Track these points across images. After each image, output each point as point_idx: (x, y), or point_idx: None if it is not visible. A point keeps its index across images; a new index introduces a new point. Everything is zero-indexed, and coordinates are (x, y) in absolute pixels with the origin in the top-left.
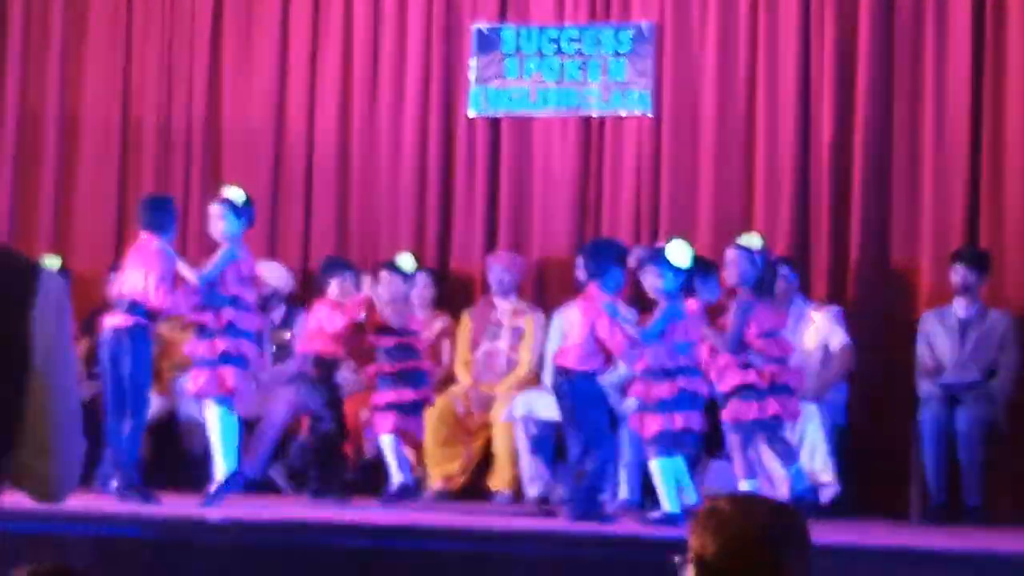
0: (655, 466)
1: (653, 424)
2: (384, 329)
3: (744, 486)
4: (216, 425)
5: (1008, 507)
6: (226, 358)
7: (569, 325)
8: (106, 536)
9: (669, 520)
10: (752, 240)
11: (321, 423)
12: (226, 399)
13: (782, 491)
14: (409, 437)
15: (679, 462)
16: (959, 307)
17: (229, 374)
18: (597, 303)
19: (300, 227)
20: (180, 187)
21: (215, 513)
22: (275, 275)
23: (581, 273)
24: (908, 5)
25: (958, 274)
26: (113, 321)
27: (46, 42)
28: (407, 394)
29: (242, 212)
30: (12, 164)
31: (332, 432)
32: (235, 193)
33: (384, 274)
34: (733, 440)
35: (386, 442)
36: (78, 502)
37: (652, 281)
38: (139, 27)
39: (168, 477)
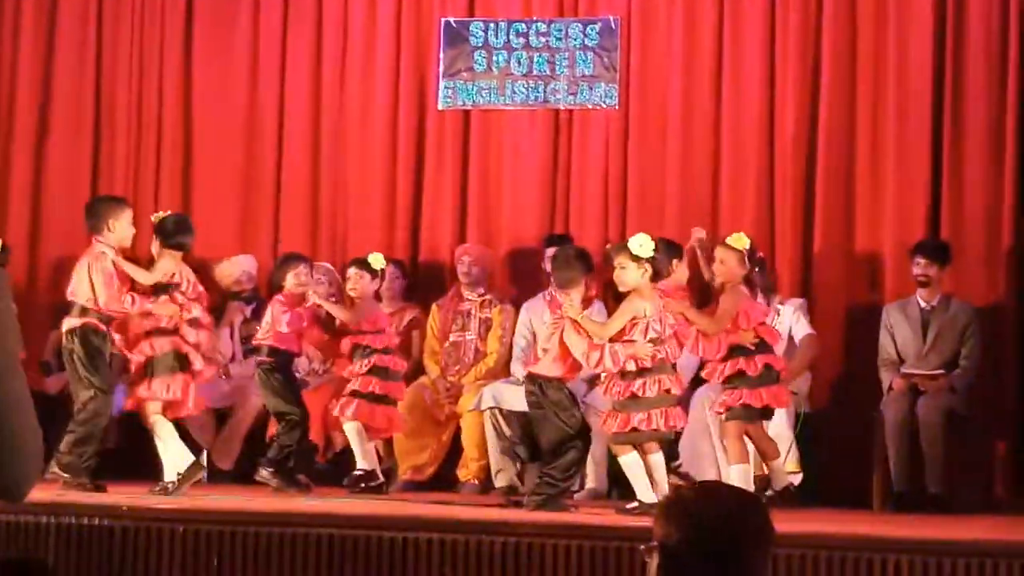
0: (624, 461)
1: (615, 422)
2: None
3: (735, 472)
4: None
5: (970, 496)
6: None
7: (540, 330)
8: (72, 525)
9: (646, 510)
10: (740, 240)
11: (284, 419)
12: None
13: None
14: (375, 430)
15: (657, 457)
16: (921, 298)
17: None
18: (565, 313)
19: (271, 220)
20: (151, 181)
21: (176, 502)
22: (244, 265)
23: (548, 265)
24: None
25: (919, 266)
26: (65, 324)
27: (16, 29)
28: (376, 385)
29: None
30: None
31: (295, 426)
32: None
33: (353, 271)
34: (726, 427)
35: (350, 428)
36: (46, 493)
37: (619, 275)
38: (109, 20)
39: (137, 466)
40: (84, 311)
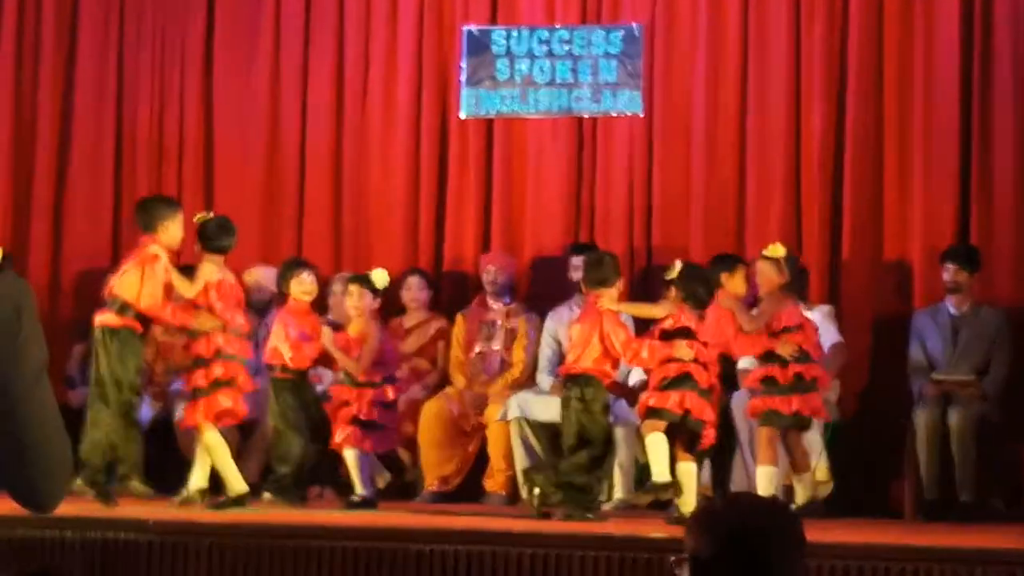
0: (648, 440)
1: (646, 397)
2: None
3: (760, 473)
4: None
5: (1002, 503)
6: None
7: (573, 333)
8: (97, 540)
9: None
10: (776, 250)
11: (295, 433)
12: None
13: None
14: (373, 443)
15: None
16: (951, 305)
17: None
18: (600, 312)
19: (293, 231)
20: (172, 194)
21: (201, 516)
22: (270, 278)
23: (576, 274)
24: (897, 2)
25: (948, 272)
26: (103, 319)
27: (38, 50)
28: (376, 414)
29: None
30: (9, 174)
31: (307, 440)
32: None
33: (354, 288)
34: (759, 431)
35: (350, 456)
36: (70, 507)
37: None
38: (131, 38)
39: (164, 480)
40: (124, 309)
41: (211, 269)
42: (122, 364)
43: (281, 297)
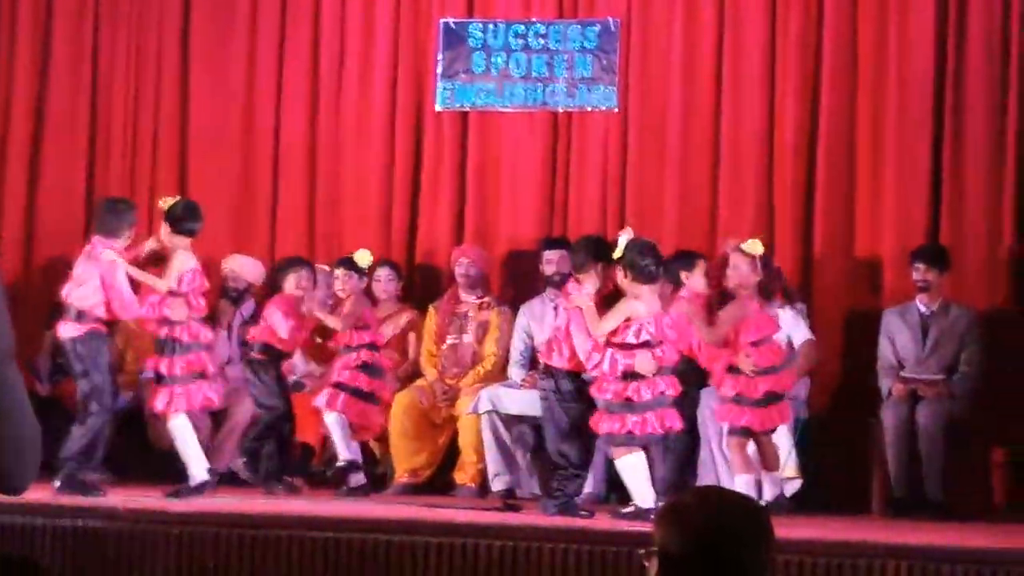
0: (620, 464)
1: (611, 424)
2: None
3: (739, 482)
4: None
5: (969, 502)
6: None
7: (537, 332)
8: (68, 527)
9: (641, 515)
10: (755, 246)
11: (267, 410)
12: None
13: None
14: (355, 429)
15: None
16: (921, 303)
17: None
18: (573, 302)
19: (267, 222)
20: (147, 183)
21: (173, 504)
22: (248, 269)
23: (549, 268)
24: (872, 0)
25: (918, 272)
26: (67, 332)
27: (13, 37)
28: (362, 380)
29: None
30: None
31: (278, 419)
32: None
33: (340, 272)
34: (729, 439)
35: (331, 420)
36: (42, 494)
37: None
38: (106, 24)
39: (134, 469)
40: (82, 315)
41: (184, 258)
42: (98, 370)
43: (273, 289)
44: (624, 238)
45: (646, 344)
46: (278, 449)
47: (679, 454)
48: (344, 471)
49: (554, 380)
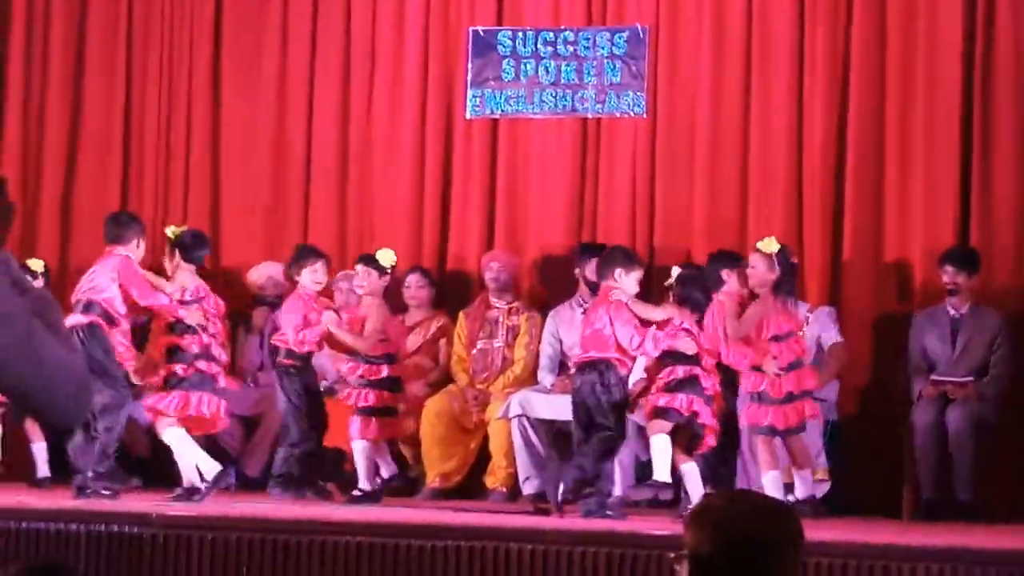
0: (655, 440)
1: (663, 400)
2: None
3: (767, 480)
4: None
5: (999, 504)
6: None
7: (567, 337)
8: (101, 533)
9: (659, 488)
10: (771, 244)
11: (296, 418)
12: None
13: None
14: (385, 436)
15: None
16: (950, 306)
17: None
18: (612, 297)
19: (299, 229)
20: (180, 193)
21: (206, 510)
22: (272, 273)
23: (589, 273)
24: (900, 5)
25: (947, 274)
26: (70, 321)
27: (47, 53)
28: (387, 398)
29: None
30: (18, 174)
31: (308, 427)
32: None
33: (360, 268)
34: (755, 438)
35: (358, 448)
36: (69, 500)
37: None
38: (139, 41)
39: (165, 474)
40: (90, 307)
41: (187, 277)
42: (97, 360)
43: (290, 284)
44: (676, 270)
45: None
46: (306, 456)
47: (716, 463)
48: (360, 500)
49: (600, 373)
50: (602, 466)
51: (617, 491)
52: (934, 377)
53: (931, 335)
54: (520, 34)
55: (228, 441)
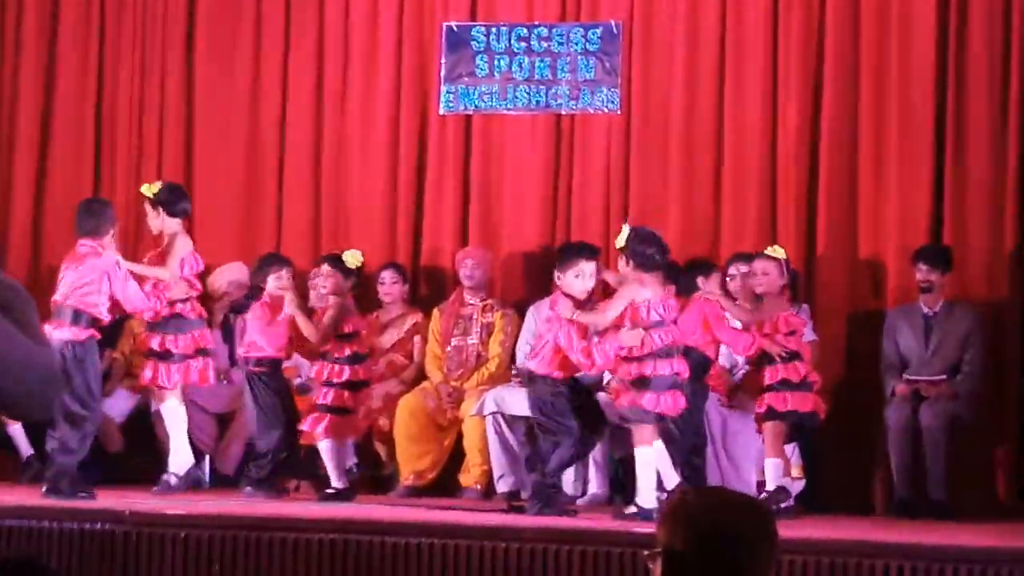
0: (639, 455)
1: (627, 399)
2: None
3: (770, 465)
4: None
5: (972, 502)
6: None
7: (539, 327)
8: (74, 531)
9: (644, 515)
10: (779, 251)
11: (268, 424)
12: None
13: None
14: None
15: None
16: (924, 304)
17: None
18: (559, 311)
19: (272, 224)
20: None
21: (179, 507)
22: (238, 277)
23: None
24: (873, 2)
25: (921, 272)
26: (63, 336)
27: (19, 35)
28: (346, 399)
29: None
30: None
31: (276, 451)
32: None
33: (325, 268)
34: (766, 427)
35: (323, 446)
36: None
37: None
38: (111, 25)
39: (143, 471)
40: (79, 318)
41: (182, 242)
42: (91, 375)
43: (257, 291)
44: (627, 228)
45: (657, 324)
46: (278, 459)
47: (687, 458)
48: (333, 498)
49: (537, 386)
50: (549, 461)
51: (593, 488)
52: (907, 376)
53: (904, 333)
54: (494, 30)
55: (201, 438)
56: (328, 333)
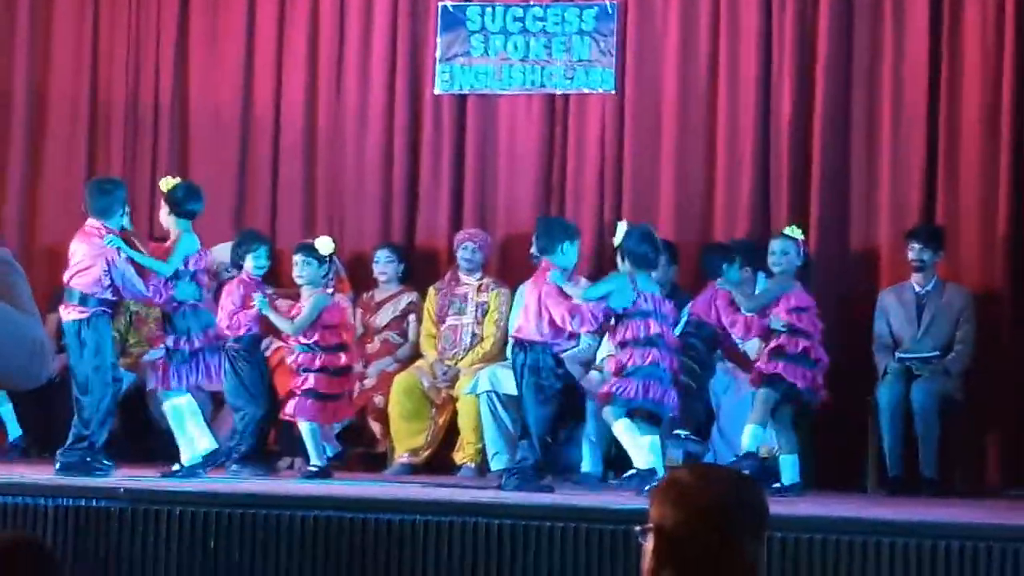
0: (617, 430)
1: (610, 388)
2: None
3: (749, 431)
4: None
5: (963, 479)
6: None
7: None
8: (69, 508)
9: (644, 477)
10: (796, 232)
11: (247, 399)
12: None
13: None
14: (328, 415)
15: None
16: (916, 283)
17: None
18: (544, 276)
19: (267, 205)
20: (148, 165)
21: (178, 484)
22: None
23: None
24: None
25: (913, 251)
26: (71, 316)
27: (13, 20)
28: (322, 383)
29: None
30: None
31: (254, 423)
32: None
33: (298, 257)
34: (758, 393)
35: (304, 429)
36: (44, 475)
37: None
38: (105, 9)
39: (137, 449)
40: (86, 299)
41: (188, 241)
42: (100, 355)
43: (236, 268)
44: (623, 226)
45: (644, 315)
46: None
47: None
48: (313, 476)
49: (523, 354)
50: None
51: (586, 467)
52: (899, 354)
53: (896, 312)
54: (489, 9)
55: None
56: (303, 326)
